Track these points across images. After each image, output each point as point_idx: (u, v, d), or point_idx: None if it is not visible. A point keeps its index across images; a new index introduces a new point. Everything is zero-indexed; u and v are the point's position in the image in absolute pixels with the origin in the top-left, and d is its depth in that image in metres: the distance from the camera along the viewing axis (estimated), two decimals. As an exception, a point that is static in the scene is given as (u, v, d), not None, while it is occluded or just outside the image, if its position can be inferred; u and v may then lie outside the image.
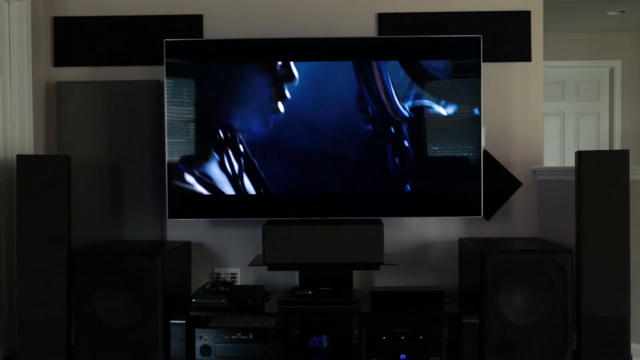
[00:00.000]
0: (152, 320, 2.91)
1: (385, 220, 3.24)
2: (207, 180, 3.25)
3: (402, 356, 2.94)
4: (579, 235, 2.83)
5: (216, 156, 3.25)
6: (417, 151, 3.22)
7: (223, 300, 3.02)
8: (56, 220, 2.90)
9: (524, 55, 3.49)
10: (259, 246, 3.31)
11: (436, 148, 3.21)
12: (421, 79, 3.20)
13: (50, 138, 3.51)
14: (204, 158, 3.25)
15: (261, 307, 3.10)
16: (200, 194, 3.26)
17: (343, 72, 3.21)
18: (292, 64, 3.21)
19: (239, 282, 3.55)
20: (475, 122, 3.20)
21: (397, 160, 3.22)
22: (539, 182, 3.49)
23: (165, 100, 3.24)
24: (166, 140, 3.25)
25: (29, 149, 3.31)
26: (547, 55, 3.84)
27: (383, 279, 3.50)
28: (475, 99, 3.19)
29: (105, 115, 3.45)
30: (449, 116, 3.20)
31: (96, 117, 3.45)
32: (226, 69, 3.23)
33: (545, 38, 3.58)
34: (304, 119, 3.22)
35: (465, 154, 3.21)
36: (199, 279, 3.49)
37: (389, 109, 3.21)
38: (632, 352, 2.89)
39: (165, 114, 3.24)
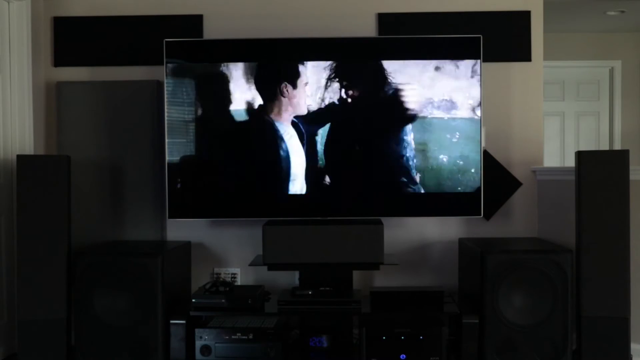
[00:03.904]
0: (152, 320, 2.91)
1: (385, 220, 3.24)
2: (207, 180, 3.25)
3: (402, 356, 2.94)
4: (579, 235, 2.82)
5: (216, 156, 3.25)
6: (417, 151, 3.21)
7: (223, 300, 3.02)
8: (56, 220, 2.90)
9: (524, 55, 3.49)
10: (259, 246, 3.31)
11: (436, 148, 3.21)
12: (421, 79, 3.20)
13: (50, 138, 3.51)
14: (204, 158, 3.25)
15: (261, 307, 3.10)
16: (200, 194, 3.26)
17: (343, 72, 3.22)
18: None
19: (239, 282, 3.55)
20: (475, 122, 3.20)
21: (397, 160, 3.22)
22: (539, 182, 3.49)
23: (165, 100, 3.24)
24: (166, 140, 3.25)
25: (29, 149, 3.31)
26: (547, 55, 3.83)
27: (383, 279, 3.50)
28: (475, 99, 3.19)
29: (105, 115, 3.45)
30: (449, 116, 3.20)
31: (96, 117, 3.45)
32: (226, 69, 3.23)
33: (545, 38, 3.58)
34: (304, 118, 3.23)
35: (465, 154, 3.21)
36: (199, 279, 3.49)
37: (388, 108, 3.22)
38: (632, 352, 2.89)
39: (165, 114, 3.24)
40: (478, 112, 3.19)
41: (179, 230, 3.52)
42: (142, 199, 3.44)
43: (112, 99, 3.45)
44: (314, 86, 3.20)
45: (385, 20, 3.48)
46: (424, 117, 3.20)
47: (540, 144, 3.53)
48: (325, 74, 3.20)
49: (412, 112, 3.20)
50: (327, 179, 3.23)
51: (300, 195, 3.24)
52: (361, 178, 3.23)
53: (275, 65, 3.23)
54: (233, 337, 3.00)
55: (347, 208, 3.25)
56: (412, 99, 3.20)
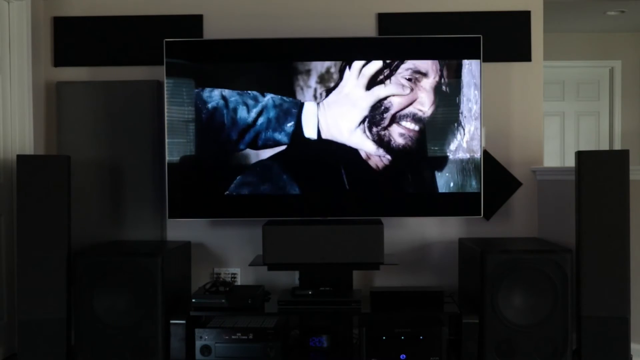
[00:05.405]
0: (152, 320, 2.91)
1: (385, 220, 3.24)
2: (207, 180, 3.25)
3: (402, 356, 2.94)
4: (579, 235, 2.82)
5: (216, 156, 3.25)
6: (417, 151, 3.21)
7: (223, 300, 3.02)
8: (56, 220, 2.90)
9: (524, 55, 3.49)
10: (259, 246, 3.31)
11: (436, 148, 3.21)
12: (421, 79, 3.20)
13: (50, 138, 3.51)
14: (204, 158, 3.25)
15: (261, 307, 3.10)
16: (200, 194, 3.26)
17: (345, 72, 3.22)
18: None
19: (239, 282, 3.55)
20: (475, 122, 3.20)
21: (397, 160, 3.22)
22: (539, 182, 3.49)
23: (165, 100, 3.24)
24: (166, 140, 3.25)
25: (29, 149, 3.31)
26: (547, 55, 3.84)
27: (383, 279, 3.50)
28: (475, 99, 3.19)
29: (105, 115, 3.45)
30: (449, 116, 3.20)
31: (96, 117, 3.45)
32: (226, 69, 3.23)
33: (545, 38, 3.58)
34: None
35: (465, 154, 3.21)
36: (199, 279, 3.49)
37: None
38: (632, 352, 2.89)
39: (165, 114, 3.24)
40: (478, 112, 3.19)
41: (179, 230, 3.52)
42: (142, 199, 3.44)
43: (112, 99, 3.45)
44: (318, 86, 3.21)
45: (385, 20, 3.48)
46: (424, 117, 3.20)
47: (540, 144, 3.53)
48: (327, 75, 3.21)
49: (412, 112, 3.20)
50: (328, 178, 3.23)
51: (301, 195, 3.24)
52: (361, 178, 3.23)
53: (276, 65, 3.23)
54: (233, 337, 3.00)
55: (347, 208, 3.25)
56: (411, 98, 3.20)
